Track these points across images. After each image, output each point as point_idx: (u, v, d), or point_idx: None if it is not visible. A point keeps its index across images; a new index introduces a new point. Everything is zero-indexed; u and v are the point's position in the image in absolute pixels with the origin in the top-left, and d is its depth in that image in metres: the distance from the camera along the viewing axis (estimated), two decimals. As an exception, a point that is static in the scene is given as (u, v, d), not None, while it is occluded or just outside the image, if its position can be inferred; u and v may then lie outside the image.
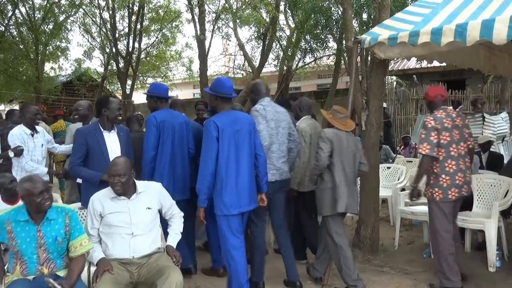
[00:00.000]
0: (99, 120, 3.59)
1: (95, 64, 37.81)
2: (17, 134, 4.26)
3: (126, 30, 16.18)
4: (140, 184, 3.04)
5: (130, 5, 15.14)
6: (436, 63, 7.03)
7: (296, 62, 14.75)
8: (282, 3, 13.51)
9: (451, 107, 5.79)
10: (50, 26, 16.33)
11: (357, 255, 4.55)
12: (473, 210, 4.73)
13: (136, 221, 2.90)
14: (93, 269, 2.87)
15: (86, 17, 16.93)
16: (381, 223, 4.54)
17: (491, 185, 4.71)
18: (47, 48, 16.53)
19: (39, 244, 2.62)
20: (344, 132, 3.67)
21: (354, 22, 9.75)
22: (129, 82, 16.60)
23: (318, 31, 12.36)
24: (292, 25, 14.34)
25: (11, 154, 4.20)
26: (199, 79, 13.86)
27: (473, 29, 3.29)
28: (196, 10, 12.70)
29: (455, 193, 3.62)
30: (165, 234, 3.18)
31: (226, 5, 13.41)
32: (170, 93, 4.40)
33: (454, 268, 3.59)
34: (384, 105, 10.23)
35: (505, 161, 6.13)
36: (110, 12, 15.80)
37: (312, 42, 13.35)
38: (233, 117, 3.41)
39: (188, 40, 37.67)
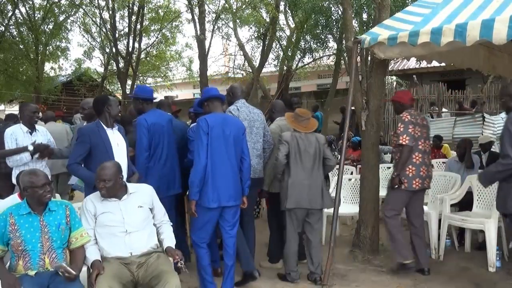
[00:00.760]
0: (101, 118, 3.58)
1: (95, 64, 37.86)
2: (9, 133, 4.19)
3: (126, 30, 16.22)
4: (131, 186, 3.09)
5: (130, 5, 15.17)
6: (435, 63, 7.02)
7: (296, 62, 14.76)
8: (282, 3, 13.53)
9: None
10: (50, 26, 16.38)
11: (357, 255, 4.55)
12: (473, 210, 4.73)
13: (129, 219, 2.92)
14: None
15: (86, 17, 16.98)
16: (381, 223, 4.53)
17: (491, 185, 4.70)
18: (47, 48, 16.58)
19: (43, 232, 2.69)
20: (303, 133, 3.91)
21: (354, 22, 9.74)
22: (129, 82, 16.62)
23: (318, 31, 12.36)
24: (292, 25, 14.36)
25: (30, 148, 4.08)
26: (199, 79, 13.89)
27: (473, 29, 3.30)
28: (196, 10, 12.72)
29: (419, 183, 4.00)
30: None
31: (226, 5, 13.44)
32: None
33: (405, 245, 4.03)
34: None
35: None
36: (110, 12, 15.82)
37: (312, 42, 13.37)
38: (224, 119, 3.56)
39: (188, 40, 37.63)
